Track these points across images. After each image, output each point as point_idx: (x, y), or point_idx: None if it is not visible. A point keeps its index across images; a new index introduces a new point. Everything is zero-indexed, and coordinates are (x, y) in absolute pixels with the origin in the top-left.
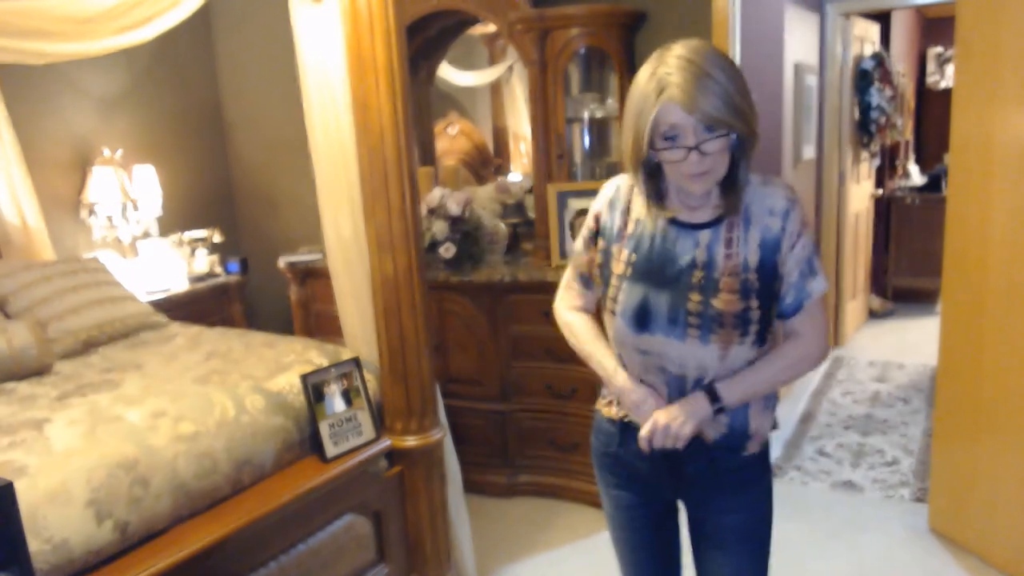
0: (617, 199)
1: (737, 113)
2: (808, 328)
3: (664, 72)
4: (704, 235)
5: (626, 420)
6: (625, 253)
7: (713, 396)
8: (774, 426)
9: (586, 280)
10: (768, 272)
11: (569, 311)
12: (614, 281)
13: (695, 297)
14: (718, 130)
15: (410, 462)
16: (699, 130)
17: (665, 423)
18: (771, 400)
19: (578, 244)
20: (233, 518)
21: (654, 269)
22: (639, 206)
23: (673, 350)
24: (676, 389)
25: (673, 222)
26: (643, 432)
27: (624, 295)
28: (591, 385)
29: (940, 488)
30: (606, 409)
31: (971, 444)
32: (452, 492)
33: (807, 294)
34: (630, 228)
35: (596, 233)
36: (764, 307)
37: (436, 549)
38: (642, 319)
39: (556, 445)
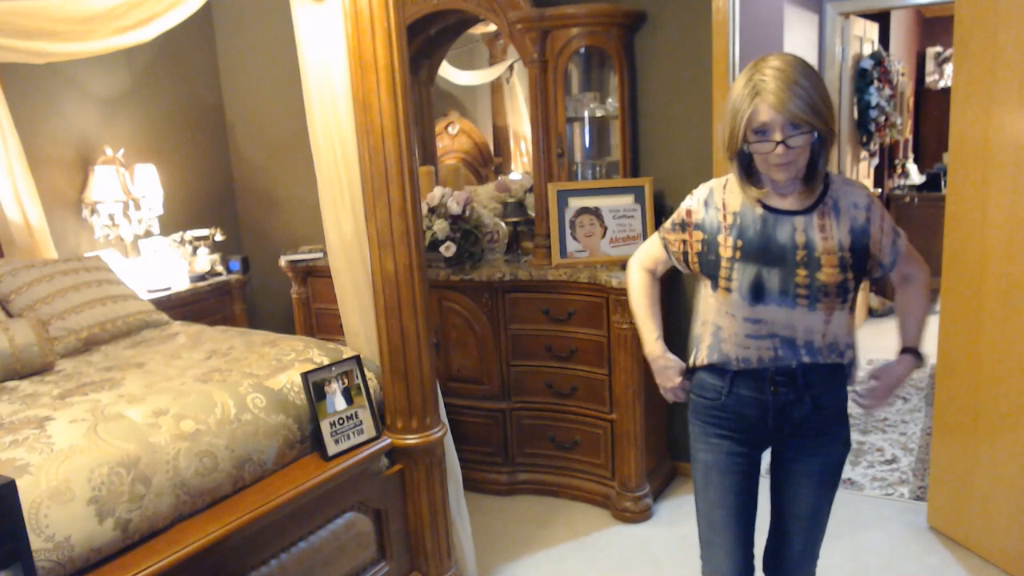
0: (711, 199)
1: (818, 114)
2: (914, 265)
3: (759, 79)
4: (799, 220)
5: (736, 370)
6: (731, 240)
7: (916, 354)
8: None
9: (666, 250)
10: (859, 251)
11: (641, 268)
12: (724, 264)
13: (801, 272)
14: (801, 128)
15: (411, 460)
16: (786, 127)
17: (888, 392)
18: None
19: (667, 225)
20: (234, 516)
21: (762, 250)
22: (733, 201)
23: (784, 317)
24: (786, 347)
25: (770, 210)
26: (861, 395)
27: (738, 274)
28: (591, 383)
29: (939, 486)
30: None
31: (970, 442)
32: (453, 490)
33: (900, 248)
34: (729, 220)
35: (687, 224)
36: (857, 279)
37: (437, 547)
38: (757, 292)
39: (556, 443)
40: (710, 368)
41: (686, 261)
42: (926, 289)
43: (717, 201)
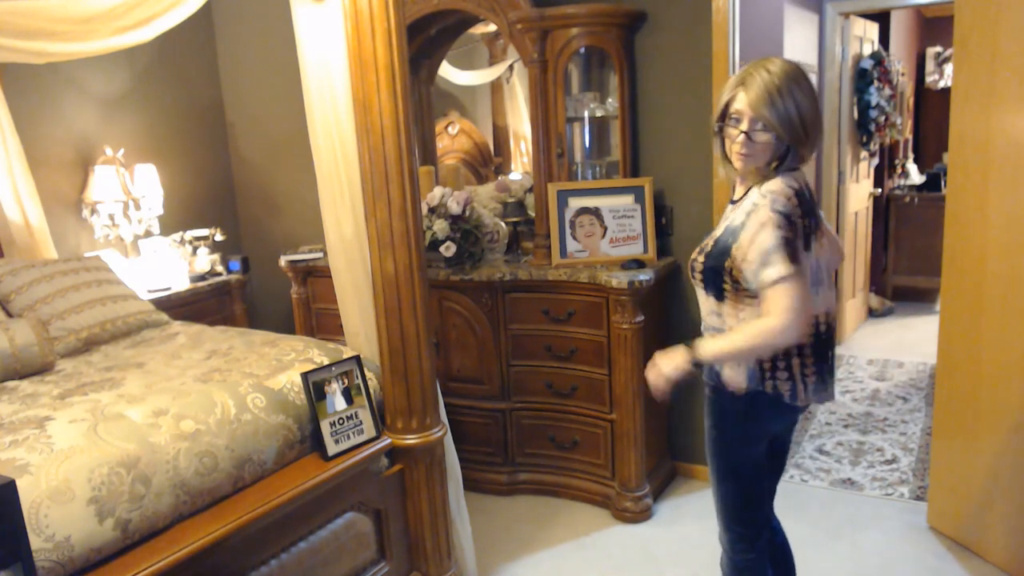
0: None
1: (787, 125)
2: (768, 307)
3: (751, 73)
4: (728, 208)
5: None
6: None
7: (692, 355)
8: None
9: None
10: (720, 247)
11: None
12: None
13: (699, 257)
14: (767, 127)
15: (411, 460)
16: (754, 122)
17: (659, 374)
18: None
19: None
20: (234, 516)
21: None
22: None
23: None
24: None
25: (732, 202)
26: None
27: None
28: (591, 383)
29: (939, 486)
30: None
31: (970, 442)
32: (453, 490)
33: (763, 280)
34: None
35: None
36: (719, 274)
37: (437, 547)
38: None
39: (556, 443)
40: None
41: None
42: (757, 332)
43: None
